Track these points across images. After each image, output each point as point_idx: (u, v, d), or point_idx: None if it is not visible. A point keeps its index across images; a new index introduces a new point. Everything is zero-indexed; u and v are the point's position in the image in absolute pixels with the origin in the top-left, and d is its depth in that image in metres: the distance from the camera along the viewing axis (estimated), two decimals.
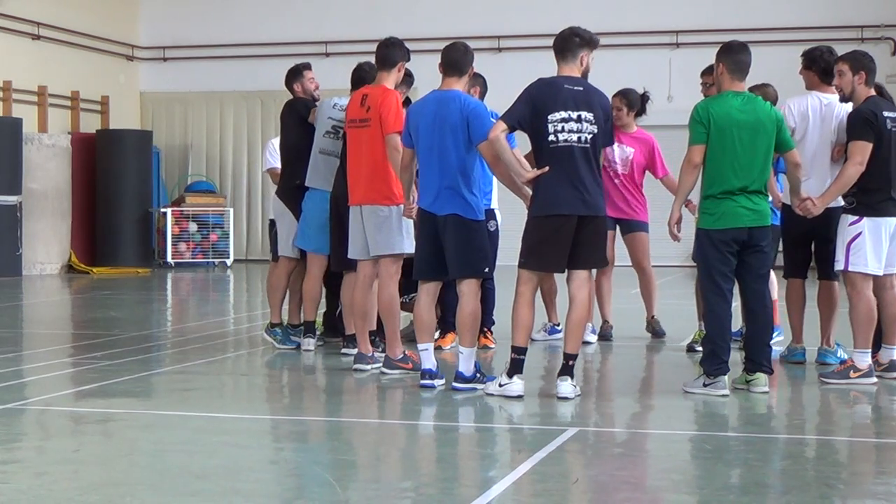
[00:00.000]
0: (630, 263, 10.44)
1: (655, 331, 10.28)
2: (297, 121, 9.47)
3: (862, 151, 7.79)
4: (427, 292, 7.78)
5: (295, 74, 9.71)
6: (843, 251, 7.91)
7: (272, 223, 9.99)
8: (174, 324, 12.51)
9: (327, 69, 21.79)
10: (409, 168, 7.81)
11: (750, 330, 7.67)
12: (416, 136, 7.69)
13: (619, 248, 10.25)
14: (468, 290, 7.60)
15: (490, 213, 9.30)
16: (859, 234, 7.85)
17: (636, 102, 10.16)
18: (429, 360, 7.72)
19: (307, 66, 9.78)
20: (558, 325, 10.15)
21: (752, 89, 8.65)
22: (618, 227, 10.20)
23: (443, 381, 7.71)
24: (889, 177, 7.89)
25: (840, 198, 7.99)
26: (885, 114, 7.87)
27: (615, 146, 10.04)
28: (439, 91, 7.76)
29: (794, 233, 8.54)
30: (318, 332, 9.68)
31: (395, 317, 8.21)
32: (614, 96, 10.09)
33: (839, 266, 7.95)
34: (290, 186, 9.47)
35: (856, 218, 7.88)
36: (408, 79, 9.00)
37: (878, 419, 7.18)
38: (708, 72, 9.44)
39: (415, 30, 19.89)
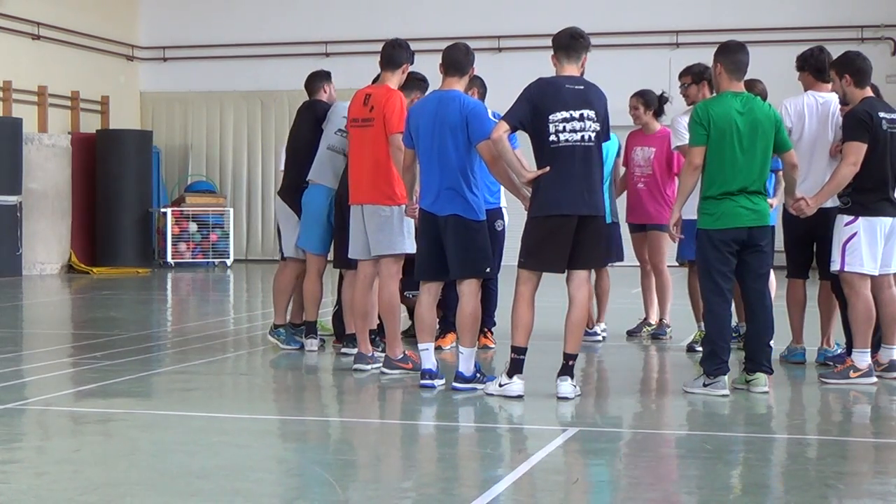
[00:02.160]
0: (633, 263, 10.51)
1: (656, 333, 10.29)
2: (314, 121, 9.46)
3: (856, 152, 7.79)
4: (428, 292, 7.79)
5: (325, 77, 9.73)
6: (838, 252, 7.92)
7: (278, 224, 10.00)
8: (174, 324, 12.51)
9: (327, 69, 21.83)
10: (411, 168, 7.82)
11: (750, 330, 7.67)
12: (417, 137, 7.69)
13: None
14: (468, 291, 7.60)
15: (498, 213, 9.32)
16: (854, 234, 7.86)
17: (653, 102, 10.21)
18: (429, 360, 7.72)
19: (331, 75, 9.82)
20: (591, 327, 10.19)
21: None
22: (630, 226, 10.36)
23: (443, 381, 7.71)
24: (885, 177, 7.89)
25: (836, 198, 8.00)
26: (881, 114, 7.87)
27: (638, 149, 10.21)
28: (439, 91, 7.77)
29: (796, 233, 8.55)
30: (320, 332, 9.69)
31: (395, 317, 8.21)
32: (631, 97, 10.26)
33: (835, 266, 7.96)
34: (295, 186, 9.47)
35: (851, 218, 7.89)
36: (421, 84, 9.01)
37: (877, 419, 7.18)
38: (685, 73, 9.52)
39: (415, 30, 19.89)
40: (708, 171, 7.49)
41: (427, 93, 8.95)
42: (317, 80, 9.73)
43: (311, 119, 9.51)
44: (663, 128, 10.26)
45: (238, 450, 5.99)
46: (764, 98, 8.29)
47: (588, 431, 6.53)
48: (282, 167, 10.51)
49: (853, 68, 7.96)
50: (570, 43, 7.40)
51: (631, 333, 10.43)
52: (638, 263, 10.57)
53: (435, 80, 9.21)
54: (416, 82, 8.96)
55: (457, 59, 7.72)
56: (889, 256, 7.98)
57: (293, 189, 9.49)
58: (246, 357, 9.59)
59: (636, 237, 10.40)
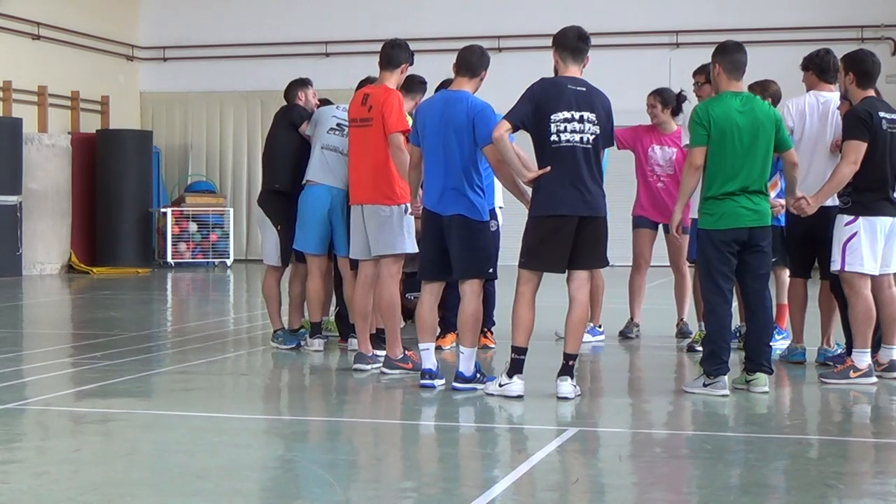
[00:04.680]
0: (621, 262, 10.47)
1: (682, 332, 10.23)
2: (289, 126, 9.60)
3: (856, 151, 7.79)
4: (430, 292, 7.78)
5: (302, 84, 9.82)
6: (839, 251, 7.91)
7: None
8: (174, 324, 12.51)
9: (327, 69, 21.85)
10: (418, 167, 7.80)
11: (750, 330, 7.67)
12: (423, 136, 7.69)
13: (657, 249, 10.35)
14: (470, 291, 7.60)
15: (491, 213, 9.29)
16: (855, 234, 7.86)
17: (670, 100, 10.13)
18: (429, 360, 7.72)
19: (311, 82, 9.90)
20: (600, 326, 10.19)
21: (753, 86, 8.69)
22: (661, 228, 10.21)
23: (443, 382, 7.71)
24: (885, 176, 7.89)
25: (836, 197, 8.01)
26: (881, 114, 7.87)
27: (657, 148, 10.07)
28: (447, 91, 7.78)
29: (797, 233, 8.55)
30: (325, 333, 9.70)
31: (395, 317, 8.21)
32: (649, 95, 10.22)
33: (835, 266, 7.96)
34: (269, 190, 9.60)
35: (851, 218, 7.89)
36: (422, 86, 9.05)
37: (877, 419, 7.19)
38: (700, 71, 9.50)
39: (415, 30, 19.89)
40: (709, 171, 7.49)
41: (425, 94, 9.00)
42: (293, 87, 9.82)
43: (287, 123, 9.62)
44: (680, 128, 10.21)
45: (238, 450, 5.99)
46: (778, 99, 8.27)
47: (588, 431, 6.53)
48: None
49: (859, 68, 7.94)
50: (577, 45, 7.38)
51: (623, 335, 10.36)
52: (628, 261, 10.47)
53: (435, 80, 9.23)
54: (418, 85, 9.03)
55: (469, 60, 7.72)
56: (889, 256, 7.97)
57: (268, 194, 9.62)
58: (246, 357, 9.59)
59: (644, 233, 10.26)
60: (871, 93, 8.01)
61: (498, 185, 9.34)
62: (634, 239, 10.32)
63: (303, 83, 9.82)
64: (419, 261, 7.90)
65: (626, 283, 10.49)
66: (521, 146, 7.83)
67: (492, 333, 9.72)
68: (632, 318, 10.42)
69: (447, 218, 7.59)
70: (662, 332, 10.55)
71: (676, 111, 10.19)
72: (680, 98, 10.20)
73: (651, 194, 10.19)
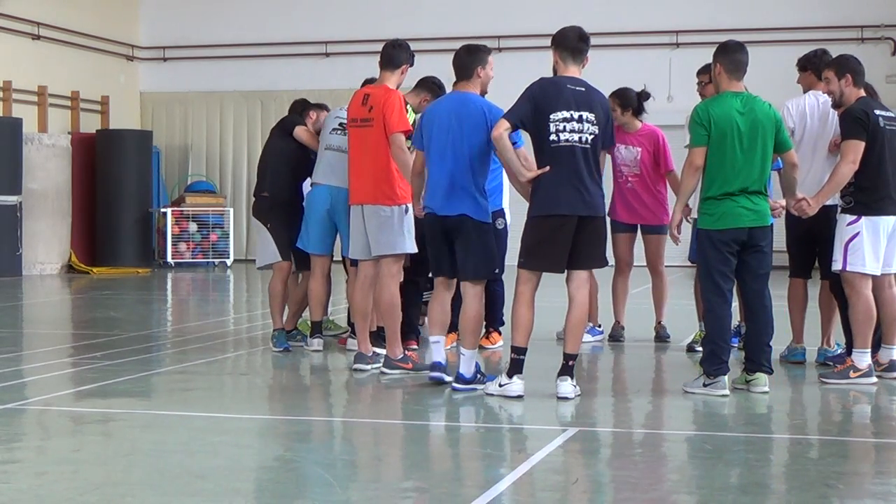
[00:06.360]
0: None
1: (660, 335, 10.20)
2: (283, 135, 9.65)
3: (855, 150, 7.79)
4: (444, 286, 7.79)
5: (314, 105, 9.88)
6: (840, 251, 7.91)
7: None
8: (174, 324, 12.51)
9: (327, 69, 21.88)
10: (422, 173, 7.79)
11: (750, 330, 7.67)
12: (430, 137, 7.67)
13: (637, 250, 10.27)
14: (472, 293, 7.60)
15: (498, 212, 9.31)
16: (857, 233, 7.86)
17: (630, 101, 10.04)
18: (439, 353, 7.74)
19: (326, 107, 10.00)
20: (600, 325, 10.18)
21: None
22: (639, 228, 10.18)
23: (451, 378, 7.70)
24: (886, 175, 7.89)
25: (838, 197, 8.01)
26: (877, 112, 7.88)
27: (622, 148, 10.01)
28: (458, 93, 7.74)
29: (797, 232, 8.55)
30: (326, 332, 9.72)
31: (395, 317, 8.21)
32: (608, 97, 10.09)
33: (837, 266, 7.96)
34: (258, 196, 9.68)
35: (854, 217, 7.89)
36: (435, 88, 9.05)
37: (877, 419, 7.19)
38: (704, 71, 9.45)
39: (415, 30, 19.89)
40: (708, 171, 7.48)
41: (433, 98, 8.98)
42: (306, 106, 9.90)
43: (281, 133, 9.73)
44: (645, 125, 10.17)
45: (238, 450, 5.99)
46: None
47: (588, 431, 6.53)
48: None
49: (852, 68, 7.98)
50: (578, 45, 7.38)
51: (613, 338, 10.27)
52: (616, 264, 10.41)
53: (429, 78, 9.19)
54: (430, 85, 9.04)
55: (456, 63, 7.73)
56: (891, 256, 7.97)
57: (258, 200, 9.66)
58: (246, 357, 9.59)
59: (622, 237, 10.18)
60: (863, 92, 8.03)
61: (504, 185, 9.34)
62: (613, 242, 10.16)
63: (319, 106, 9.88)
64: (430, 260, 7.89)
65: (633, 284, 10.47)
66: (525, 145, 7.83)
67: (499, 333, 9.71)
68: (617, 322, 10.33)
69: (452, 219, 7.58)
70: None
71: (639, 111, 10.12)
72: (641, 97, 10.11)
73: (622, 195, 10.13)
